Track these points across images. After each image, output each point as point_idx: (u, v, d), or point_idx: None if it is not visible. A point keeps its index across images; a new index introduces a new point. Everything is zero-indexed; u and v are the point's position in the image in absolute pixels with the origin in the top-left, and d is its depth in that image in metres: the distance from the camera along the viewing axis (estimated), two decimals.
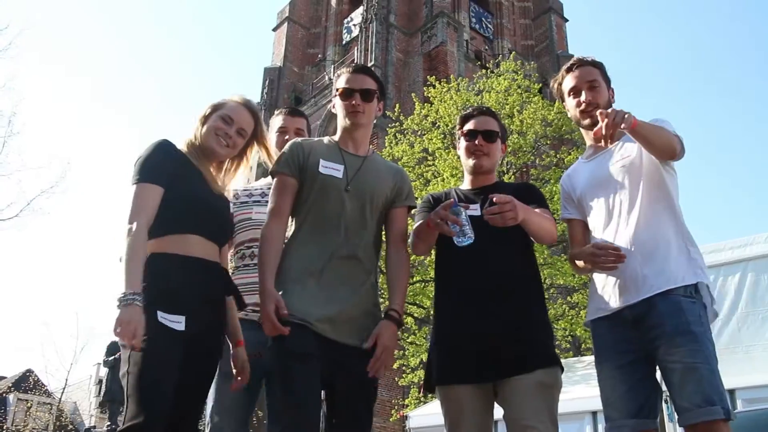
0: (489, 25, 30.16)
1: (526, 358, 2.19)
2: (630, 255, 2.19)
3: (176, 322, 2.01)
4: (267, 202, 2.55)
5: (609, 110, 2.14)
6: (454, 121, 14.61)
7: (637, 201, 2.27)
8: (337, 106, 2.36)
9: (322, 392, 2.12)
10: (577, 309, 13.28)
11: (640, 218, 2.24)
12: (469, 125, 2.54)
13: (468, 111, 2.62)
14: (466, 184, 2.57)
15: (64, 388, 25.55)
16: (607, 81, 2.48)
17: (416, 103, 15.81)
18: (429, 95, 15.63)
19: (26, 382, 29.08)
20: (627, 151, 2.34)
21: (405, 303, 2.24)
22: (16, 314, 50.03)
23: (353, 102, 2.29)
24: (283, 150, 2.31)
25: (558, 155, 14.96)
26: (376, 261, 2.31)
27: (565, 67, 2.51)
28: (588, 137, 2.49)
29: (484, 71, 16.95)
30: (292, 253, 2.17)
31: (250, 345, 2.37)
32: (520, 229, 2.25)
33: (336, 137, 2.38)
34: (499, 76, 15.81)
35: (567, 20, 31.97)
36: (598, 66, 2.49)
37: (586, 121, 2.41)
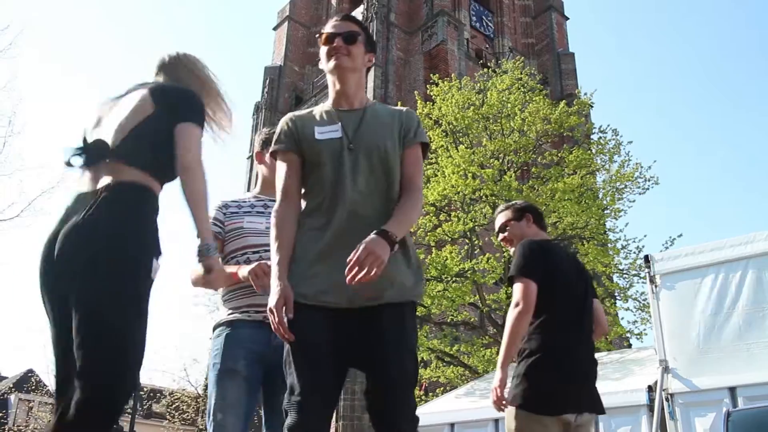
0: (489, 24, 30.16)
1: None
2: None
3: None
4: (257, 212, 2.67)
5: None
6: (456, 118, 14.72)
7: None
8: (321, 57, 2.19)
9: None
10: None
11: None
12: None
13: None
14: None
15: None
16: None
17: (418, 102, 15.81)
18: (431, 93, 15.64)
19: (28, 383, 29.16)
20: None
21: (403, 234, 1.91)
22: (18, 314, 50.12)
23: (335, 45, 2.13)
24: (276, 127, 2.23)
25: (559, 154, 14.98)
26: None
27: None
28: None
29: (485, 70, 16.96)
30: (299, 234, 2.03)
31: (254, 344, 2.46)
32: None
33: (329, 101, 2.23)
34: (504, 73, 15.82)
35: (568, 18, 31.96)
36: None
37: None
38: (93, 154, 2.06)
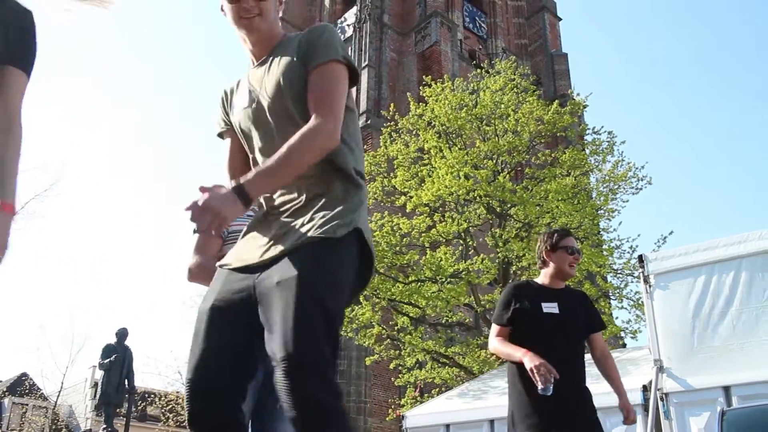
0: (482, 25, 30.21)
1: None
2: None
3: None
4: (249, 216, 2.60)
5: None
6: (450, 119, 14.72)
7: None
8: (228, 18, 1.81)
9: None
10: None
11: None
12: (570, 242, 3.19)
13: (566, 230, 3.29)
14: (543, 280, 3.21)
15: (59, 392, 25.52)
16: None
17: (411, 103, 15.81)
18: (424, 94, 15.65)
19: (21, 386, 29.01)
20: None
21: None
22: (11, 317, 49.89)
23: (242, 4, 1.75)
24: None
25: (553, 154, 15.01)
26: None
27: None
28: None
29: (478, 71, 16.99)
30: None
31: None
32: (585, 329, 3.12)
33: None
34: (497, 74, 15.86)
35: (560, 19, 32.04)
36: None
37: None
38: None
